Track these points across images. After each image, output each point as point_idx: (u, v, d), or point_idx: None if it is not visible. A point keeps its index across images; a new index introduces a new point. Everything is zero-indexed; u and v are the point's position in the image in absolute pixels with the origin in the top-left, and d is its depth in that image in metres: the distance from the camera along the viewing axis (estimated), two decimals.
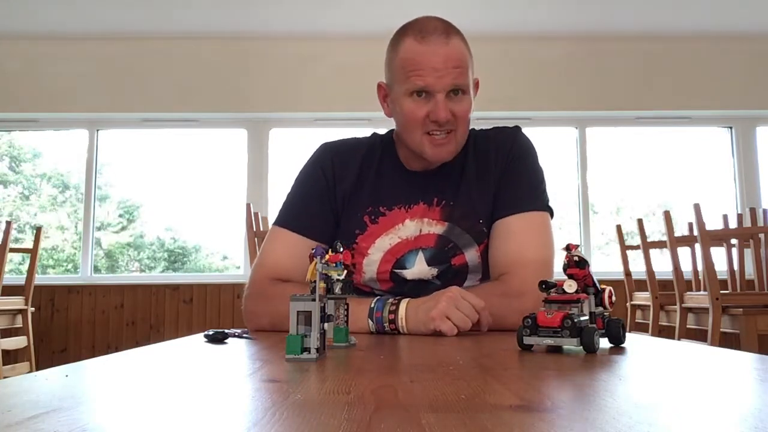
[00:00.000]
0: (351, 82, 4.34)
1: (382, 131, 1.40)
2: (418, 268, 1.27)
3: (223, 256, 4.75)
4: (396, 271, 1.28)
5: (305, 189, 1.35)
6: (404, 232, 1.28)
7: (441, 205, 1.28)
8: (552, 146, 4.65)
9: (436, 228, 1.28)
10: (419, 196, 1.29)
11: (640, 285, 3.71)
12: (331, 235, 1.30)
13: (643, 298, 3.64)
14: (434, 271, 1.27)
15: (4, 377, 2.24)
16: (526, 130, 1.35)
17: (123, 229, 4.72)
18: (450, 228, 1.27)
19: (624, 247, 3.83)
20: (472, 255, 1.27)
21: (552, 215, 1.29)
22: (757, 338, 2.64)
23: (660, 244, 3.47)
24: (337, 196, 1.32)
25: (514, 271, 1.19)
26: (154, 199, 4.73)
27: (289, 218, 1.32)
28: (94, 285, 4.31)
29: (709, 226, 2.92)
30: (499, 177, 1.29)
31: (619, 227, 3.91)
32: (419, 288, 1.25)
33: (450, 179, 1.30)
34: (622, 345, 0.86)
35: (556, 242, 1.26)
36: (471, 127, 1.37)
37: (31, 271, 3.60)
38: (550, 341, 0.79)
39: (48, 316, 4.24)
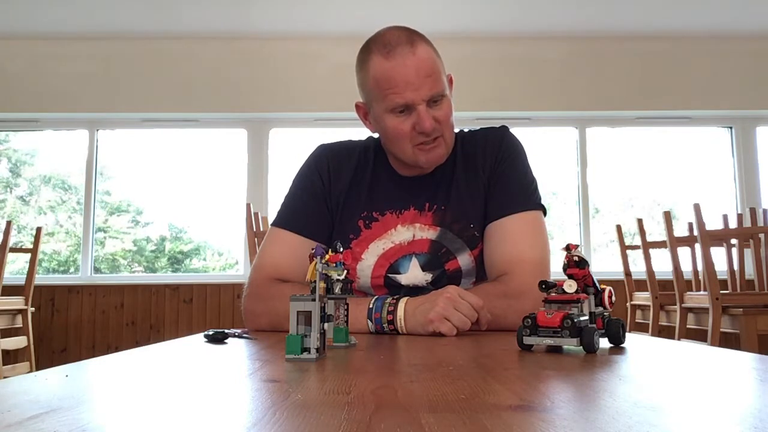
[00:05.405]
0: (351, 82, 4.29)
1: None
2: (413, 273, 1.27)
3: (218, 252, 4.75)
4: (390, 275, 1.27)
5: (302, 190, 1.35)
6: (397, 237, 1.28)
7: (432, 210, 1.29)
8: (552, 146, 4.64)
9: (429, 233, 1.27)
10: (410, 201, 1.30)
11: (640, 285, 3.70)
12: (329, 235, 1.30)
13: (643, 298, 3.64)
14: (428, 276, 1.27)
15: (4, 377, 2.24)
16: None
17: (123, 229, 4.72)
18: (442, 233, 1.27)
19: (624, 247, 3.83)
20: (465, 260, 1.27)
21: (545, 213, 1.29)
22: (757, 338, 2.64)
23: (660, 244, 3.47)
24: (332, 196, 1.32)
25: (513, 272, 1.18)
26: (154, 199, 4.73)
27: (287, 218, 1.32)
28: (94, 285, 4.31)
29: (709, 226, 2.92)
30: (488, 179, 1.29)
31: (619, 227, 3.91)
32: (414, 295, 1.25)
33: (441, 184, 1.30)
34: (622, 345, 0.86)
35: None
36: (459, 129, 1.37)
37: (31, 271, 3.60)
38: (550, 341, 0.79)
39: (48, 316, 4.24)
